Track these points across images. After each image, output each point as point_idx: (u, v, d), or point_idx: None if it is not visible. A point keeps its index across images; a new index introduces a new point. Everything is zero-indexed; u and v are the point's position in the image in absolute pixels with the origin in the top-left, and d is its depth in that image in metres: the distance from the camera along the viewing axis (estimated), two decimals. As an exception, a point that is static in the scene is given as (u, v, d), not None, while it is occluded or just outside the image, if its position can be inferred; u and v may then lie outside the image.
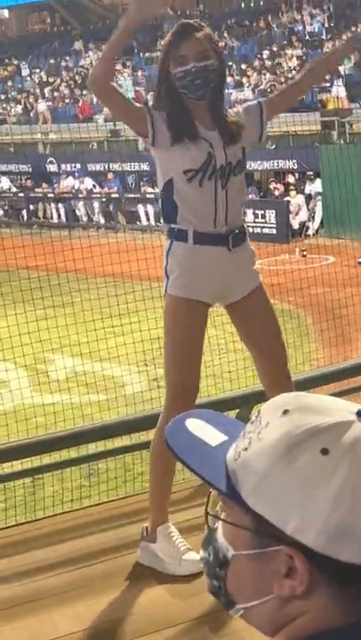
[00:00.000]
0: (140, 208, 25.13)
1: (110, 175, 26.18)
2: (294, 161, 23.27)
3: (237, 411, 5.20)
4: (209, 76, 3.67)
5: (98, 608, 3.61)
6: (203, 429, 1.14)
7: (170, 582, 3.72)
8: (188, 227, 3.68)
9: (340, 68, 26.09)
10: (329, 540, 1.01)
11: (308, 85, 4.12)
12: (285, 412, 1.07)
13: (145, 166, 25.34)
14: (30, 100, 34.04)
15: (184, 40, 3.68)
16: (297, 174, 23.60)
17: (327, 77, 26.78)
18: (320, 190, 21.94)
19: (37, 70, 36.58)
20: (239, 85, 28.93)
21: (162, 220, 3.82)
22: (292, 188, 22.81)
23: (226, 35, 32.97)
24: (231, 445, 1.11)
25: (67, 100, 32.98)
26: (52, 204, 27.36)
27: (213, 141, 3.69)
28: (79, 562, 4.01)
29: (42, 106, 32.43)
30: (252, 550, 1.06)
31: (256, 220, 21.87)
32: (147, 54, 33.85)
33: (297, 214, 22.33)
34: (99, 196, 26.48)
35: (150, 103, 3.87)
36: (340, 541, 1.01)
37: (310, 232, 22.10)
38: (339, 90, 25.19)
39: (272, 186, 23.61)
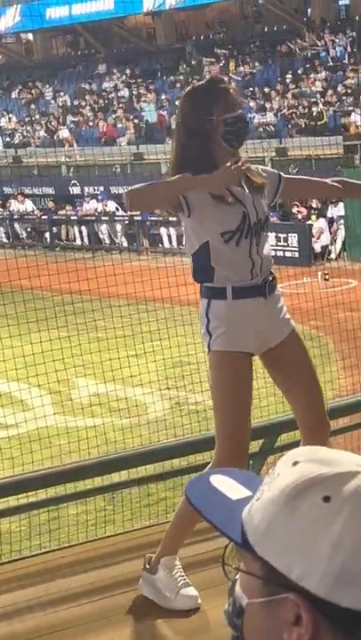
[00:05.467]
0: (163, 231, 25.21)
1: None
2: (317, 184, 23.29)
3: (262, 441, 5.19)
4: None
5: (121, 640, 3.61)
6: (225, 484, 1.18)
7: (174, 617, 3.70)
8: (227, 284, 3.73)
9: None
10: (331, 586, 1.03)
11: (327, 194, 4.22)
12: (295, 463, 1.10)
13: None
14: (54, 123, 34.29)
15: (229, 89, 3.85)
16: (320, 198, 23.62)
17: (349, 100, 26.84)
18: (342, 214, 21.95)
19: (61, 93, 36.87)
20: (262, 109, 29.03)
21: (194, 279, 3.85)
22: (313, 212, 22.84)
23: (248, 59, 33.12)
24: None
25: (90, 123, 33.19)
26: (75, 227, 27.50)
27: (244, 200, 3.77)
28: (102, 592, 4.01)
29: (64, 132, 32.65)
30: (263, 598, 1.08)
31: (278, 244, 21.89)
32: (171, 77, 34.03)
33: (319, 238, 22.34)
34: (122, 218, 26.60)
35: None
36: (341, 587, 1.03)
37: (332, 255, 22.09)
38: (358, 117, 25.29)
39: (295, 209, 23.63)
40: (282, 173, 4.04)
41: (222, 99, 3.76)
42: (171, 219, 24.79)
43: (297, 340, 3.91)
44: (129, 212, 25.55)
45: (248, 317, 3.74)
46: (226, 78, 4.04)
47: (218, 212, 3.71)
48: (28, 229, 28.34)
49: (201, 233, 3.76)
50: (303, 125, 27.03)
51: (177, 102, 4.23)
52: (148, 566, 3.88)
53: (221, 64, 33.50)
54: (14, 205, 28.70)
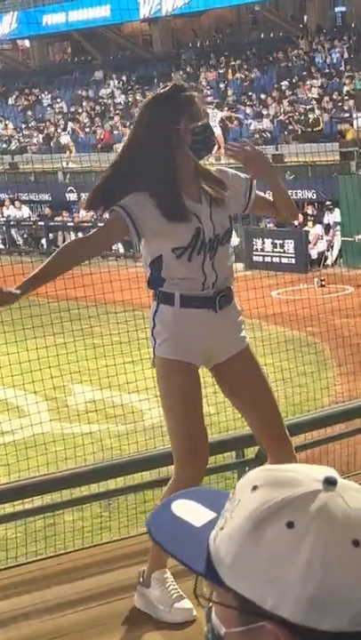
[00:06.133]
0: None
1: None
2: (313, 191, 23.33)
3: (258, 447, 5.19)
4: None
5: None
6: (189, 510, 1.15)
7: (168, 629, 3.69)
8: (175, 290, 3.65)
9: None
10: (306, 611, 1.02)
11: (280, 214, 3.99)
12: (254, 487, 1.08)
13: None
14: (51, 130, 34.32)
15: (194, 97, 3.71)
16: (316, 204, 23.65)
17: (346, 108, 26.86)
18: (339, 220, 21.98)
19: (58, 100, 36.91)
20: (258, 116, 29.07)
21: (148, 286, 3.77)
22: (309, 218, 22.87)
23: (245, 65, 33.17)
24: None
25: (87, 130, 33.23)
26: (72, 233, 27.49)
27: (201, 214, 3.65)
28: (99, 599, 4.01)
29: (65, 138, 32.68)
30: (240, 627, 1.07)
31: (275, 250, 21.91)
32: (167, 84, 34.05)
33: (315, 244, 22.36)
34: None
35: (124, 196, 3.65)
36: (317, 611, 1.02)
37: (329, 262, 22.12)
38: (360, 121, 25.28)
39: (291, 215, 23.64)
40: (254, 183, 3.83)
41: (188, 108, 3.64)
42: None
43: (249, 360, 3.79)
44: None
45: (193, 328, 3.65)
46: (193, 85, 3.90)
47: (169, 228, 3.60)
48: (25, 236, 28.34)
49: (154, 248, 3.67)
50: (299, 132, 27.09)
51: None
52: (142, 580, 3.85)
53: (221, 70, 33.57)
54: (11, 211, 28.71)
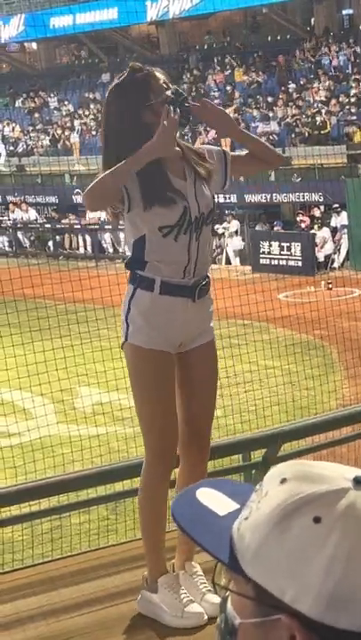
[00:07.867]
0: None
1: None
2: (320, 194, 23.32)
3: (265, 450, 5.19)
4: None
5: (124, 649, 3.60)
6: (213, 498, 1.15)
7: (175, 632, 3.68)
8: (156, 276, 3.61)
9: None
10: (325, 608, 1.01)
11: (257, 164, 3.92)
12: (283, 480, 1.08)
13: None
14: (58, 132, 34.36)
15: (155, 71, 3.69)
16: (323, 207, 23.64)
17: (353, 111, 26.83)
18: (346, 223, 21.97)
19: (65, 102, 36.97)
20: (265, 118, 29.06)
21: (126, 267, 3.72)
22: (316, 221, 22.86)
23: (253, 68, 33.17)
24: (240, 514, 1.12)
25: (94, 132, 33.27)
26: (79, 235, 27.53)
27: (187, 193, 3.63)
28: (105, 601, 4.00)
29: (74, 137, 32.73)
30: (256, 619, 1.07)
31: (282, 253, 21.90)
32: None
33: (322, 247, 22.35)
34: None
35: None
36: (336, 609, 1.01)
37: (336, 265, 22.10)
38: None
39: (299, 218, 23.65)
40: (226, 150, 3.85)
41: (152, 82, 3.62)
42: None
43: (212, 353, 3.79)
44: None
45: (170, 316, 3.62)
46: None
47: (157, 205, 3.57)
48: (32, 238, 28.38)
49: (139, 226, 3.62)
50: (307, 134, 27.07)
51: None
52: (146, 585, 3.79)
53: (227, 72, 33.58)
54: (18, 214, 28.75)
